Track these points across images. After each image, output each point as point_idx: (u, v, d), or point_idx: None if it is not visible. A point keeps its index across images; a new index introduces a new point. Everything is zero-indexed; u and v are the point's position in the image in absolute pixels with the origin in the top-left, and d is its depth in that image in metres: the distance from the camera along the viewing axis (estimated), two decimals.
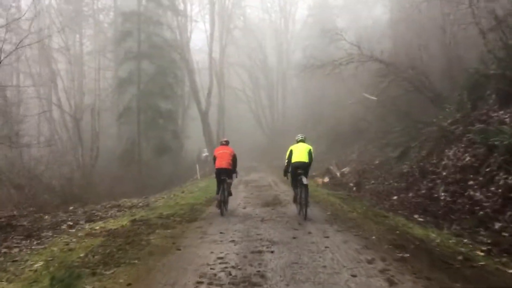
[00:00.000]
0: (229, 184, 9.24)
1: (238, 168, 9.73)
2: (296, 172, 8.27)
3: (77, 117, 24.35)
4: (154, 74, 25.13)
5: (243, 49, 45.21)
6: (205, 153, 36.43)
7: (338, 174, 15.77)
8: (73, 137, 24.45)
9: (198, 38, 40.84)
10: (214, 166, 9.34)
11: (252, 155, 39.71)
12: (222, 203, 8.72)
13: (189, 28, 34.78)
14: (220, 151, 9.33)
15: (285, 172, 8.93)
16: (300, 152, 8.45)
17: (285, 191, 13.17)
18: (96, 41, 28.00)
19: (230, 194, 9.40)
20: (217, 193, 8.89)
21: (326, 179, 16.13)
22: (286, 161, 8.75)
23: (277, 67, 46.55)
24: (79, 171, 22.40)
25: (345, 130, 23.91)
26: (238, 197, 12.14)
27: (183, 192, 16.19)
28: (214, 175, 9.30)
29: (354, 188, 12.92)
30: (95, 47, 27.59)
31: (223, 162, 8.98)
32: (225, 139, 9.97)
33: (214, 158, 9.29)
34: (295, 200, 8.68)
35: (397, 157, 13.31)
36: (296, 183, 8.38)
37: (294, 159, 8.40)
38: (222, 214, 8.67)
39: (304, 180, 7.89)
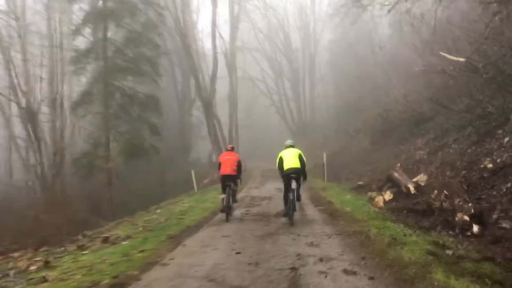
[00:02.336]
0: (234, 191, 9.27)
1: (255, 171, 9.24)
2: (289, 181, 8.04)
3: (32, 109, 18.32)
4: (125, 42, 18.33)
5: (262, 31, 38.70)
6: None
7: (411, 187, 8.89)
8: (29, 138, 18.41)
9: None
10: (219, 172, 9.27)
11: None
12: (227, 209, 8.74)
13: None
14: (225, 157, 9.40)
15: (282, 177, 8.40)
16: (290, 159, 8.24)
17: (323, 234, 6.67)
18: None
19: (235, 200, 9.47)
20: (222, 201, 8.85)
21: (389, 195, 9.33)
22: (278, 169, 8.45)
23: (303, 51, 39.63)
24: (39, 183, 16.62)
25: (397, 119, 16.84)
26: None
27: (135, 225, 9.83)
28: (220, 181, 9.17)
29: (473, 229, 5.93)
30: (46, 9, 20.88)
31: (227, 169, 9.00)
32: (231, 145, 10.37)
33: (219, 165, 9.31)
34: (285, 215, 8.06)
35: None
36: (288, 194, 8.05)
37: (286, 167, 8.18)
38: (227, 220, 8.71)
39: (293, 185, 7.92)
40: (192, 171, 18.28)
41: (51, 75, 20.40)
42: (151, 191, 19.26)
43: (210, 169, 24.40)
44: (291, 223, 7.73)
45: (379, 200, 9.31)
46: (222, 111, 29.05)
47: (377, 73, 26.38)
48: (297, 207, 8.28)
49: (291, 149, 8.60)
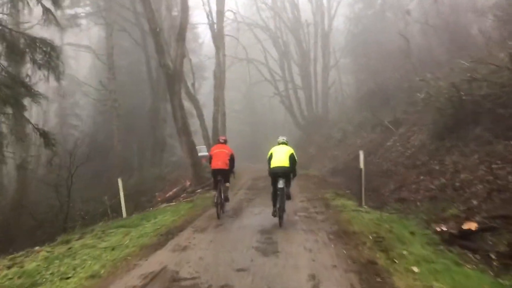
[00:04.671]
0: (227, 188, 8.69)
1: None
2: (276, 180, 7.52)
3: None
4: None
5: (266, 2, 31.38)
6: (202, 152, 22.95)
7: None
8: None
9: None
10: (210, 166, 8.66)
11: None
12: (219, 206, 8.20)
13: None
14: (216, 150, 8.75)
15: (270, 174, 7.82)
16: (279, 156, 7.67)
17: None
18: None
19: (227, 199, 8.72)
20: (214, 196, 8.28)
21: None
22: (268, 165, 7.83)
23: (315, 27, 32.11)
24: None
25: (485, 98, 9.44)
26: None
27: None
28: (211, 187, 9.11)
29: None
30: None
31: (219, 162, 8.43)
32: (223, 137, 9.37)
33: (210, 158, 8.70)
34: (273, 215, 7.54)
35: None
36: (276, 194, 7.49)
37: (273, 164, 7.64)
38: (218, 217, 8.14)
39: (280, 184, 7.37)
40: (120, 181, 10.79)
41: None
42: (72, 209, 11.96)
43: (186, 172, 17.15)
44: (280, 223, 7.19)
45: None
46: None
47: (411, 49, 19.00)
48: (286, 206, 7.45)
49: (283, 146, 7.99)
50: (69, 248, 6.71)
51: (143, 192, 17.40)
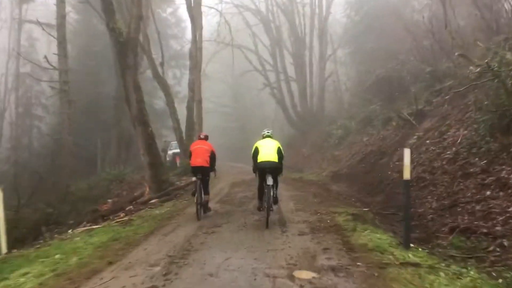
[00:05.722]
0: (206, 182, 7.95)
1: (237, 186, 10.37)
2: (264, 176, 6.88)
3: None
4: None
5: None
6: (173, 149, 19.08)
7: None
8: None
9: None
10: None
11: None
12: (199, 205, 7.64)
13: None
14: (196, 146, 8.22)
15: (254, 170, 7.36)
16: (267, 151, 7.02)
17: None
18: None
19: (207, 192, 7.96)
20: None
21: None
22: (252, 160, 7.26)
23: (311, 11, 28.37)
24: None
25: None
26: None
27: None
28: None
29: None
30: None
31: (198, 160, 7.90)
32: (204, 134, 8.77)
33: (190, 154, 8.16)
34: (259, 209, 7.11)
35: None
36: (263, 188, 6.94)
37: (261, 158, 6.96)
38: (198, 218, 7.51)
39: (269, 180, 6.74)
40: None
41: None
42: None
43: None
44: (267, 225, 6.39)
45: None
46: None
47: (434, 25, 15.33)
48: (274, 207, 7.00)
49: (269, 140, 7.34)
50: None
51: (92, 199, 13.39)
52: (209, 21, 29.12)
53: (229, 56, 28.81)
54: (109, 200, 12.71)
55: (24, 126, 33.98)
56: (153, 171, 11.31)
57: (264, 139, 7.29)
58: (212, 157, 8.11)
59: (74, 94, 19.49)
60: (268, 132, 7.44)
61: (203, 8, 20.06)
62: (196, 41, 15.65)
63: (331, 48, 29.91)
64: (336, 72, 29.79)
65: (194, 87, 15.49)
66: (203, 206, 7.84)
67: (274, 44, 29.81)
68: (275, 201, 7.03)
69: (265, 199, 6.64)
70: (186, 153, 15.93)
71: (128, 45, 10.79)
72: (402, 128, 14.01)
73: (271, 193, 6.71)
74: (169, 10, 32.45)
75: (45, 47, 32.57)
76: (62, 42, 17.15)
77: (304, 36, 28.84)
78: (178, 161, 17.78)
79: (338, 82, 30.09)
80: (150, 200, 10.39)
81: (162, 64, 15.82)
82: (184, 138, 16.43)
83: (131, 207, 10.02)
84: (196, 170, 7.87)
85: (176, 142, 18.63)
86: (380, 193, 10.58)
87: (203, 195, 7.77)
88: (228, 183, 13.20)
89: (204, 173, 7.89)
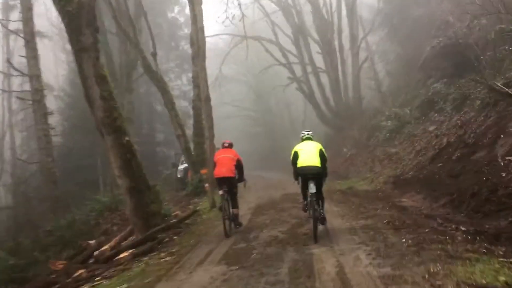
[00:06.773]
0: (234, 194, 7.39)
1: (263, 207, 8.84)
2: (307, 182, 6.32)
3: None
4: None
5: None
6: (185, 164, 15.62)
7: None
8: None
9: None
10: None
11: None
12: (227, 221, 6.98)
13: None
14: (220, 155, 7.68)
15: (295, 177, 6.70)
16: (308, 154, 6.45)
17: None
18: None
19: (235, 206, 7.40)
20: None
21: None
22: (292, 165, 6.68)
23: None
24: None
25: None
26: None
27: None
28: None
29: None
30: None
31: (223, 170, 7.34)
32: (228, 141, 8.07)
33: (214, 165, 7.65)
34: (304, 209, 6.68)
35: None
36: (306, 188, 6.43)
37: (301, 163, 6.40)
38: (226, 234, 6.84)
39: (311, 188, 6.14)
40: None
41: None
42: None
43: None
44: (315, 239, 5.81)
45: None
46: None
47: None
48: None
49: (310, 142, 6.83)
50: None
51: (72, 241, 9.99)
52: (221, 14, 25.67)
53: (246, 53, 25.20)
54: (91, 242, 9.18)
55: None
56: (134, 200, 7.63)
57: (303, 142, 6.85)
58: (239, 166, 7.58)
59: (70, 110, 16.44)
60: (308, 134, 7.02)
61: None
62: (196, 21, 12.02)
63: (362, 31, 25.65)
64: (372, 57, 25.48)
65: (199, 80, 11.85)
66: (233, 221, 7.31)
67: (297, 33, 25.92)
68: (322, 221, 6.27)
69: (309, 209, 6.22)
70: (195, 167, 12.18)
71: (81, 17, 7.30)
72: (493, 106, 9.69)
73: (315, 205, 6.03)
74: (177, 8, 29.36)
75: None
76: (30, 41, 14.01)
77: (331, 19, 24.77)
78: (188, 177, 14.26)
79: (374, 68, 25.74)
80: (117, 255, 6.56)
81: (154, 55, 12.35)
82: (193, 147, 12.80)
83: (82, 271, 6.27)
84: (221, 182, 7.29)
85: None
86: (496, 210, 6.39)
87: (231, 209, 7.19)
88: (251, 205, 9.43)
89: (230, 185, 7.33)
